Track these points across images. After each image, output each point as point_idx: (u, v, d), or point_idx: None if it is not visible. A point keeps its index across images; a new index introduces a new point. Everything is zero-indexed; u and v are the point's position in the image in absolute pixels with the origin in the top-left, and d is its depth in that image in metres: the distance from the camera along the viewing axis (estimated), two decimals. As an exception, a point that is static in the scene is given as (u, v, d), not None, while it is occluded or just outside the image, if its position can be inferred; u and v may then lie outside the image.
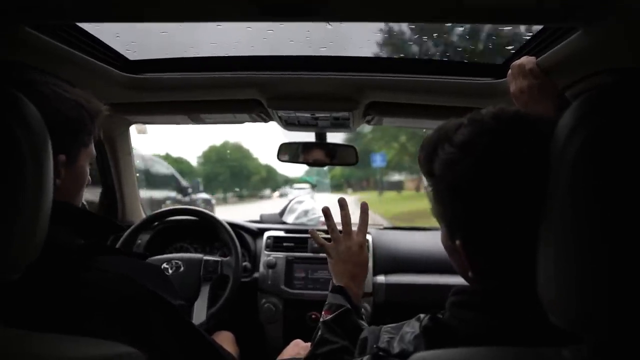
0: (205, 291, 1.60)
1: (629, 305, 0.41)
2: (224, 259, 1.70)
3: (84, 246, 0.76)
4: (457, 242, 0.65)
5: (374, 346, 0.70)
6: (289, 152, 1.70)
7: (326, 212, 1.16)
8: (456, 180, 0.62)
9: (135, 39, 1.16)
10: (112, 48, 1.18)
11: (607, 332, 0.44)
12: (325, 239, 1.16)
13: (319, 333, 0.99)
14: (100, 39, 1.11)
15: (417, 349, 0.64)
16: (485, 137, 0.61)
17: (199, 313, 1.52)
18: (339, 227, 1.15)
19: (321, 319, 1.02)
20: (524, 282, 0.52)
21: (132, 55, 1.24)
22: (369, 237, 1.17)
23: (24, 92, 0.57)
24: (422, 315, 0.69)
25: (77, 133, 0.80)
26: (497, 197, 0.59)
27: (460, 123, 0.65)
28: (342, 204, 1.14)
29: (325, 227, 2.02)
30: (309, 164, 1.73)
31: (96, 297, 0.68)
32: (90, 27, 1.05)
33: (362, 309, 1.08)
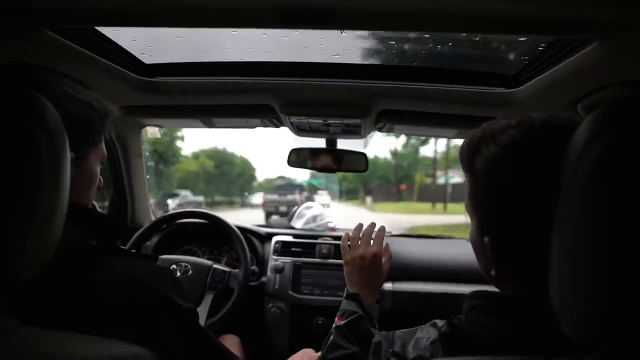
0: (208, 299, 1.60)
1: None
2: (233, 270, 1.70)
3: (95, 247, 0.76)
4: (486, 239, 0.65)
5: (389, 350, 0.70)
6: (298, 157, 1.71)
7: (358, 226, 1.24)
8: (496, 179, 0.63)
9: (152, 43, 1.17)
10: (128, 51, 1.19)
11: (620, 345, 0.44)
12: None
13: (331, 338, 1.00)
14: (118, 42, 1.13)
15: (434, 355, 0.64)
16: (531, 141, 0.61)
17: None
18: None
19: (334, 324, 1.03)
20: (544, 290, 0.52)
21: (147, 59, 1.25)
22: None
23: (37, 92, 0.58)
24: (438, 321, 0.69)
25: (86, 132, 0.80)
26: (533, 200, 0.59)
27: (508, 124, 0.65)
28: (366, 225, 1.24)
29: (333, 234, 2.04)
30: (317, 169, 1.74)
31: (106, 297, 0.69)
32: (107, 31, 1.06)
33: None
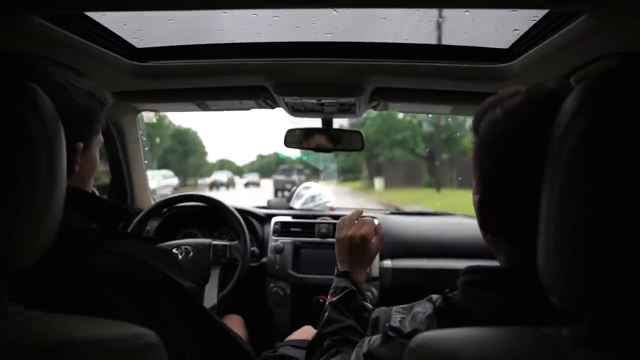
0: (215, 275, 1.63)
1: (626, 285, 0.43)
2: (232, 242, 1.72)
3: (96, 230, 0.78)
4: (477, 196, 0.68)
5: (387, 325, 0.72)
6: (294, 138, 1.71)
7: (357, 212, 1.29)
8: (492, 139, 0.66)
9: (143, 27, 1.16)
10: (119, 36, 1.18)
11: (605, 312, 0.45)
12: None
13: (326, 314, 1.02)
14: (108, 27, 1.11)
15: (429, 328, 0.64)
16: (534, 107, 0.63)
17: (210, 296, 1.56)
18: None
19: (327, 302, 1.05)
20: (533, 261, 0.52)
21: (139, 44, 1.24)
22: (375, 221, 1.23)
23: (39, 83, 0.59)
24: (434, 296, 0.71)
25: (91, 121, 0.82)
26: (523, 164, 0.61)
27: (516, 91, 0.67)
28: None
29: (332, 213, 2.06)
30: (313, 149, 1.74)
31: (107, 278, 0.70)
32: (97, 16, 1.05)
33: (368, 293, 1.12)
